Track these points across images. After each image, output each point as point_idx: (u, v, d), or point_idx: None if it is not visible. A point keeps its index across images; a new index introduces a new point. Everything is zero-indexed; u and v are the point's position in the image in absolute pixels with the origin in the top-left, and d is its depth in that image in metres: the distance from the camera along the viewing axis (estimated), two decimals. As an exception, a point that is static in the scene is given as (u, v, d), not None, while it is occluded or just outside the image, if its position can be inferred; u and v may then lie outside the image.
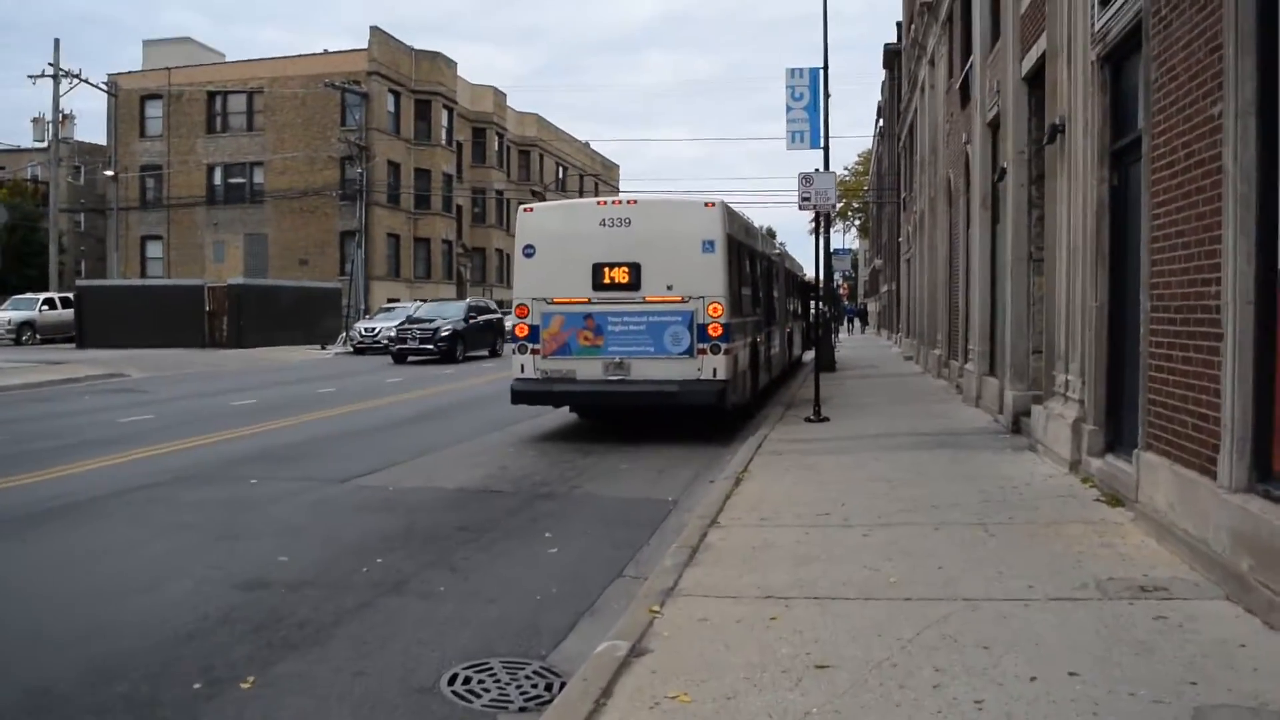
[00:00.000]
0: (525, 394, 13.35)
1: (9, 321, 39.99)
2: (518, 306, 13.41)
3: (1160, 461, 6.36)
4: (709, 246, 12.74)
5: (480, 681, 4.77)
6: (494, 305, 36.86)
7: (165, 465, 11.31)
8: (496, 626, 5.62)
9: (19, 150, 61.28)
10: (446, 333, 30.77)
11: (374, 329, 36.57)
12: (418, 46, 51.49)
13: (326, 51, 49.16)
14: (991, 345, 14.61)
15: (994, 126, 14.30)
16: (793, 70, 25.58)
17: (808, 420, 13.60)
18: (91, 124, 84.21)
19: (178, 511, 8.87)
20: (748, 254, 15.30)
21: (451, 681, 4.77)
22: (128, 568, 7.02)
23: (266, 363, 31.18)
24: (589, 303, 13.06)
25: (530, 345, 13.30)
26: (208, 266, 49.60)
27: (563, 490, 9.79)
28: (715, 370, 12.69)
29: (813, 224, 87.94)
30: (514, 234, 14.19)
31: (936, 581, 5.57)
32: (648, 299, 12.89)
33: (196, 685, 4.74)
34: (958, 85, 18.05)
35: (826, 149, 25.06)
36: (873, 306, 70.27)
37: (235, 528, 8.22)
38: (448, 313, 32.68)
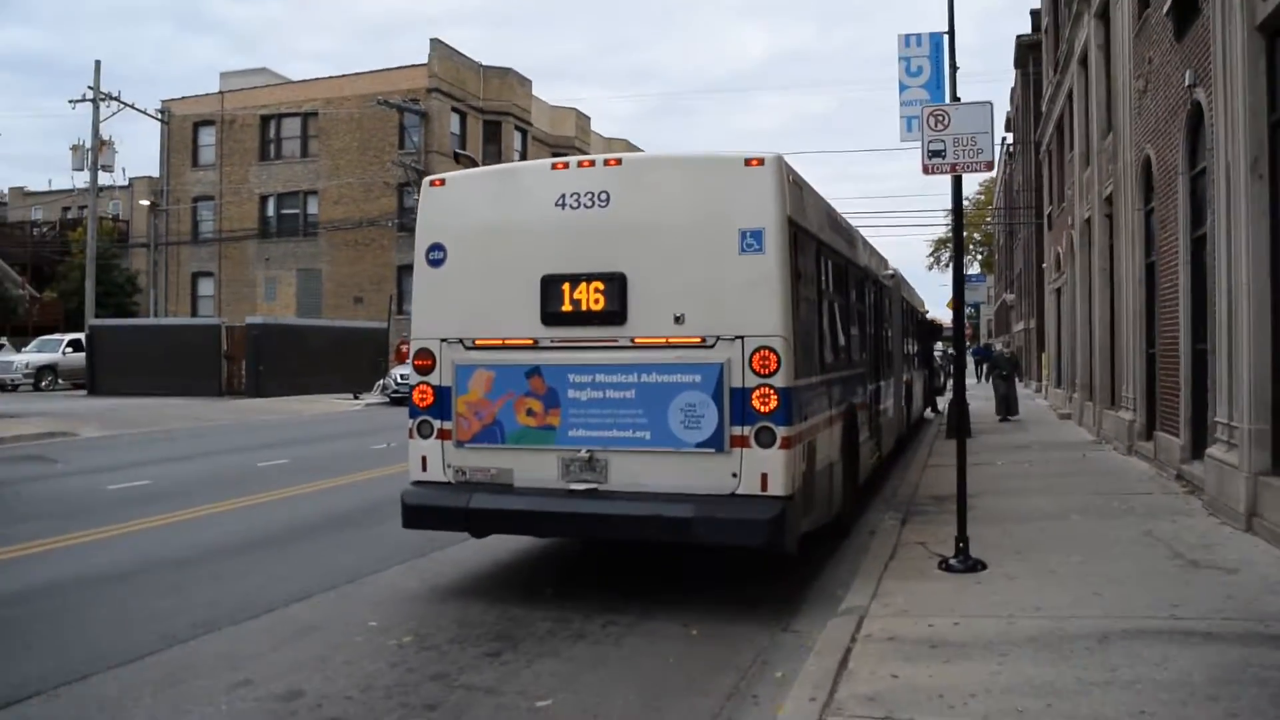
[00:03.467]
0: (424, 511, 7.46)
1: (27, 365, 36.25)
2: (416, 353, 7.61)
3: None
4: (753, 241, 6.73)
5: None
6: None
7: None
8: None
9: (104, 188, 59.01)
10: None
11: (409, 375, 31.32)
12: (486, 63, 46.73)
13: (385, 69, 44.73)
14: (1277, 423, 8.16)
15: (1274, 28, 7.99)
16: (908, 37, 19.30)
17: (944, 567, 7.32)
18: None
19: None
20: (834, 262, 9.15)
21: None
22: None
23: (270, 417, 26.07)
24: (535, 347, 7.20)
25: (437, 422, 7.46)
26: (259, 305, 45.43)
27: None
28: (767, 476, 6.63)
29: (931, 255, 79.97)
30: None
31: None
32: (639, 340, 6.95)
33: None
34: (1164, 9, 11.67)
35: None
36: (999, 348, 62.22)
37: None
38: None
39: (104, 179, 45.36)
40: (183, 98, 48.20)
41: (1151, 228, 13.36)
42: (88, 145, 42.20)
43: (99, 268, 52.02)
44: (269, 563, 8.57)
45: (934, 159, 7.12)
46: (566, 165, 7.25)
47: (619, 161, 7.13)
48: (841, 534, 9.25)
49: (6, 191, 73.20)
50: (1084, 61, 19.28)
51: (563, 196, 7.13)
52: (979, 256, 80.00)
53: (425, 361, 7.52)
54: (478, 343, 7.35)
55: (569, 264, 7.10)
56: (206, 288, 48.03)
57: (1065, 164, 23.43)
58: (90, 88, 41.29)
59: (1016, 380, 22.32)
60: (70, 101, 42.18)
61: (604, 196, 7.03)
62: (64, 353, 36.89)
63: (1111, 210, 16.18)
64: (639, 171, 7.11)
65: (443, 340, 7.46)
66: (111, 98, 41.63)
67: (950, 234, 63.50)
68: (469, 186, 7.67)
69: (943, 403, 26.29)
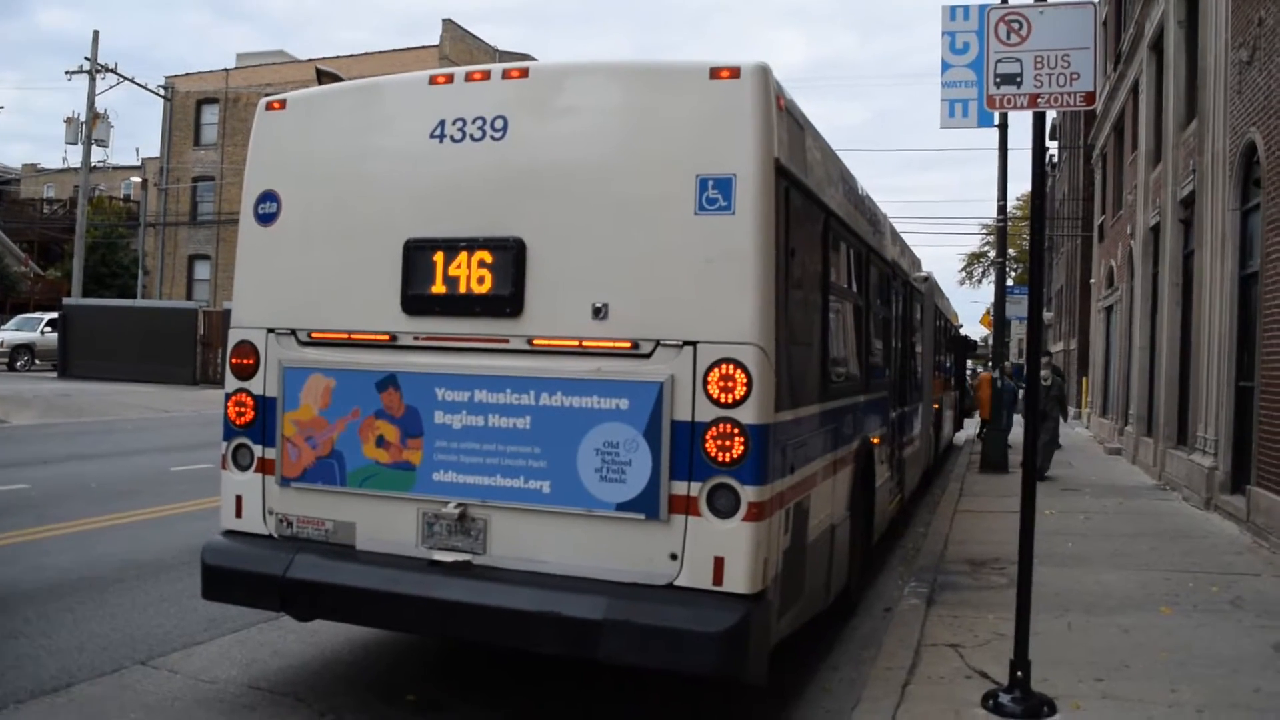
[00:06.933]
0: (228, 578, 5.10)
1: (1, 343, 34.22)
2: (235, 348, 5.26)
3: None
4: (718, 195, 4.35)
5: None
6: None
7: None
8: None
9: (117, 168, 57.66)
10: None
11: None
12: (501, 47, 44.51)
13: (395, 49, 42.59)
14: None
15: None
16: (953, 9, 16.94)
17: (992, 707, 4.81)
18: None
19: None
20: (848, 245, 6.71)
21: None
22: None
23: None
24: (392, 345, 4.86)
25: (257, 449, 5.13)
26: (256, 291, 43.37)
27: None
28: (723, 562, 4.26)
29: (963, 270, 77.35)
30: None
31: None
32: (540, 343, 4.59)
33: None
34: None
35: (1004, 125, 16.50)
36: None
37: None
38: None
39: (100, 155, 43.47)
40: (187, 74, 46.30)
41: (1250, 231, 10.87)
42: (82, 119, 40.30)
43: (106, 247, 50.25)
44: (48, 622, 6.25)
45: (1003, 87, 4.68)
46: (450, 79, 4.88)
47: (525, 73, 4.76)
48: (846, 611, 6.90)
49: (19, 168, 71.88)
50: (1157, 45, 16.77)
51: (441, 125, 4.78)
52: (1013, 271, 77.13)
53: (245, 360, 5.18)
54: (314, 336, 5.02)
55: (445, 224, 4.75)
56: (203, 271, 46.08)
57: (1125, 166, 20.89)
58: (87, 58, 39.44)
59: (1061, 416, 17.74)
60: (66, 73, 40.39)
61: (499, 125, 4.68)
62: (42, 332, 34.83)
63: (1190, 214, 13.67)
64: (552, 88, 4.73)
65: (270, 331, 5.12)
66: (108, 70, 39.71)
67: (985, 248, 60.85)
68: (317, 110, 5.30)
69: (971, 427, 23.84)
